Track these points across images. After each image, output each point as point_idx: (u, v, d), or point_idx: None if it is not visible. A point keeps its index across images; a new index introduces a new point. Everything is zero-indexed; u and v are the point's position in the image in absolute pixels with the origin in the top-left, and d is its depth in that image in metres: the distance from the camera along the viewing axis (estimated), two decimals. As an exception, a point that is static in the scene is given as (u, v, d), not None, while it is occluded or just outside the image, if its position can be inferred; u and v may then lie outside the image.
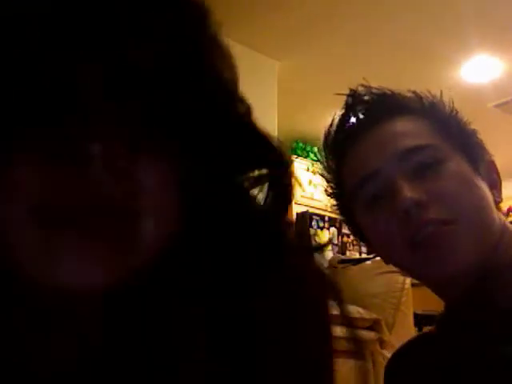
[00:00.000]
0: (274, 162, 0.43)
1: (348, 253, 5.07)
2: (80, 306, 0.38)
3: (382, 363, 2.20)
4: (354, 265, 2.46)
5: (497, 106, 4.24)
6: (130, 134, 0.34)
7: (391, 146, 0.75)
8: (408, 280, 2.31)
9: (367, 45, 3.58)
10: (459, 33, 3.43)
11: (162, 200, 0.36)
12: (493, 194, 0.76)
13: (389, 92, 0.81)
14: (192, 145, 0.38)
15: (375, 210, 0.75)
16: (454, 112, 0.80)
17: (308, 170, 5.02)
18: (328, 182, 0.84)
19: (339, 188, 0.83)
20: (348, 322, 0.45)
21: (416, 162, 0.73)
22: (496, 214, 0.75)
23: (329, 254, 4.83)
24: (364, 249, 5.24)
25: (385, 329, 2.13)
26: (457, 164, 0.74)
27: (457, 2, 3.15)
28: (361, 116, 0.80)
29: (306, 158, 5.23)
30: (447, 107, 0.80)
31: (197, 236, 0.39)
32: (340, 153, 0.81)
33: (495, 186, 0.78)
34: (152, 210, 0.35)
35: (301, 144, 5.35)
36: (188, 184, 0.38)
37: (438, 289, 0.77)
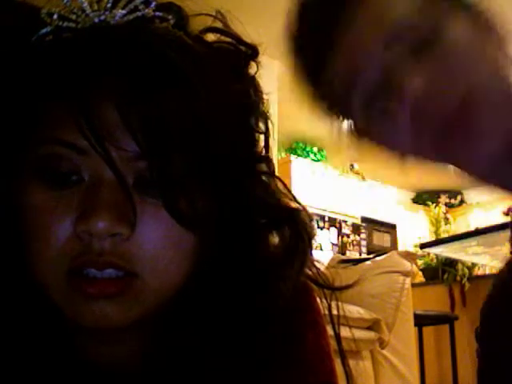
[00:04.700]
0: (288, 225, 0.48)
1: (348, 253, 5.07)
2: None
3: (382, 363, 2.20)
4: (354, 265, 2.45)
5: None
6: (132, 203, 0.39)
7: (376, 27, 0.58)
8: (408, 280, 2.31)
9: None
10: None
11: (161, 262, 0.41)
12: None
13: None
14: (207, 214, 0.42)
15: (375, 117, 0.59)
16: None
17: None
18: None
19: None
20: (337, 321, 0.50)
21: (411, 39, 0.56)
22: None
23: (329, 254, 4.84)
24: (364, 249, 5.25)
25: (385, 329, 2.13)
26: None
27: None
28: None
29: (306, 158, 5.24)
30: None
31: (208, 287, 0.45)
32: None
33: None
34: (150, 271, 0.41)
35: (301, 144, 5.35)
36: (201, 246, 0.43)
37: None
